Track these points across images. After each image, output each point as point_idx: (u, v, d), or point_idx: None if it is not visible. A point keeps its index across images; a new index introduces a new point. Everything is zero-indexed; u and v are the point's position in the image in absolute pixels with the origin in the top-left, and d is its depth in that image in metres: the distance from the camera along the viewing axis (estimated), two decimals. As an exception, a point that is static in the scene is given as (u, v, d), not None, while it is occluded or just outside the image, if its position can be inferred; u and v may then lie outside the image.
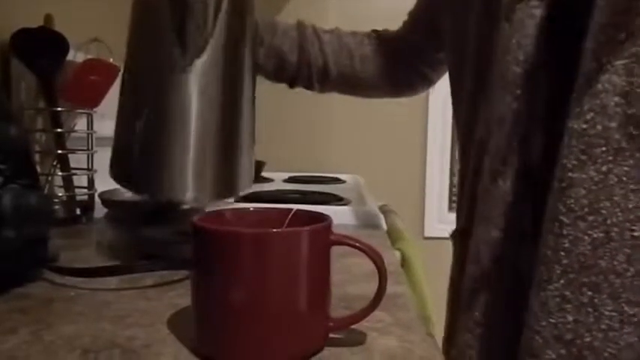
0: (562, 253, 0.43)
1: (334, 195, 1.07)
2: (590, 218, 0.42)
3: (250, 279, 0.32)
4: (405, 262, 1.05)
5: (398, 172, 1.93)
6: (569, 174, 0.42)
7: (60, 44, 0.75)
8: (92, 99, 0.82)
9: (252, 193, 1.06)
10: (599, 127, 0.41)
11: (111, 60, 0.83)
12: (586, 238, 0.42)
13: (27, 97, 0.77)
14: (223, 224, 0.38)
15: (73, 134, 0.81)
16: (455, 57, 0.69)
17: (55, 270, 0.50)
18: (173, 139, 0.52)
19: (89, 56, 0.81)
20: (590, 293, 0.42)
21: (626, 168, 0.41)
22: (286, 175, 1.55)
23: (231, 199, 0.80)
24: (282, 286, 0.33)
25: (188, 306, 0.36)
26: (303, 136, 1.92)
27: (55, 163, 0.77)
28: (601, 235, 0.41)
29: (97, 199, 0.82)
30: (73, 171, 0.79)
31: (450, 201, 1.96)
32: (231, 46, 0.55)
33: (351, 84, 0.83)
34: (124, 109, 0.57)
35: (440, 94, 1.77)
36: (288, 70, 0.80)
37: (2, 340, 0.36)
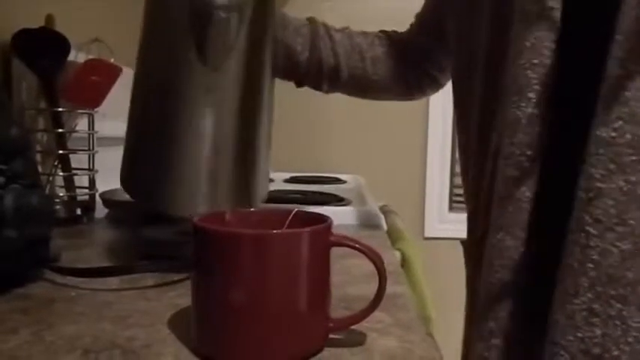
0: (590, 265, 0.42)
1: (335, 195, 1.07)
2: (619, 229, 0.41)
3: (250, 279, 0.32)
4: (405, 262, 1.05)
5: (398, 172, 1.93)
6: (597, 184, 0.41)
7: (61, 44, 0.75)
8: (93, 99, 0.82)
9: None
10: (628, 135, 0.40)
11: (112, 60, 0.83)
12: (614, 250, 0.41)
13: (28, 97, 0.78)
14: (224, 225, 0.38)
15: (74, 134, 0.81)
16: (460, 60, 0.68)
17: (57, 270, 0.50)
18: (188, 155, 0.50)
19: (90, 56, 0.82)
20: (618, 306, 0.41)
21: None
22: (287, 175, 1.55)
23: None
24: (282, 286, 0.33)
25: (188, 306, 0.36)
26: (303, 136, 1.92)
27: (56, 163, 0.77)
28: (629, 246, 0.40)
29: (98, 199, 0.82)
30: (74, 171, 0.79)
31: (451, 201, 1.96)
32: (253, 56, 0.53)
33: (362, 86, 0.81)
34: (137, 122, 0.55)
35: (440, 95, 1.77)
36: (298, 68, 0.76)
37: (3, 340, 0.36)
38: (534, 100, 0.47)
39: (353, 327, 0.37)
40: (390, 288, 0.38)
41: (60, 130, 0.76)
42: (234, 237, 0.33)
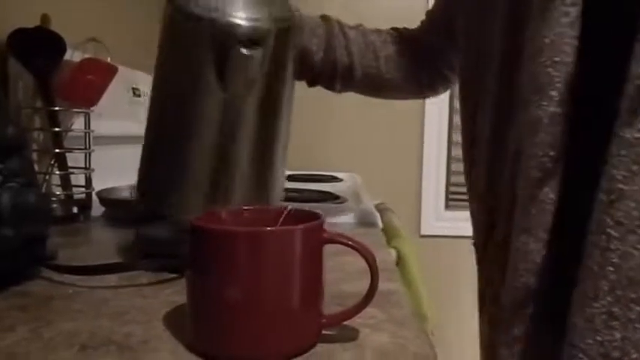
0: (610, 269, 0.41)
1: (331, 193, 1.08)
2: None
3: (245, 277, 0.33)
4: (400, 260, 1.06)
5: (395, 170, 1.94)
6: (619, 185, 0.40)
7: (57, 44, 0.75)
8: (89, 98, 0.83)
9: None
10: None
11: (108, 59, 0.84)
12: (635, 252, 0.40)
13: (24, 96, 0.78)
14: (219, 223, 0.39)
15: (70, 133, 0.81)
16: (469, 59, 0.67)
17: (54, 268, 0.50)
18: (205, 166, 0.51)
19: (86, 56, 0.82)
20: (638, 309, 0.40)
21: None
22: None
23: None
24: (276, 283, 0.33)
25: (184, 303, 0.36)
26: (300, 134, 1.92)
27: (52, 162, 0.78)
28: None
29: (94, 197, 0.82)
30: (71, 170, 0.79)
31: (447, 199, 1.97)
32: (274, 82, 0.53)
33: (375, 85, 0.79)
34: (154, 125, 0.55)
35: (436, 92, 1.78)
36: (312, 69, 0.75)
37: (1, 337, 0.37)
38: (557, 99, 0.45)
39: (346, 323, 0.38)
40: (383, 285, 0.39)
41: (56, 129, 0.77)
42: (228, 235, 0.33)
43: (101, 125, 0.89)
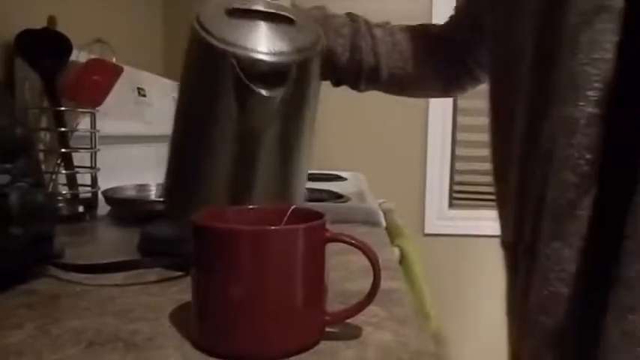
0: None
1: (334, 192, 1.08)
2: None
3: (249, 275, 0.33)
4: (404, 259, 1.06)
5: (399, 169, 1.94)
6: None
7: (63, 45, 0.76)
8: (95, 98, 0.83)
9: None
10: None
11: (114, 60, 0.84)
12: None
13: (31, 96, 0.79)
14: (223, 222, 0.39)
15: (76, 133, 0.82)
16: (497, 57, 0.64)
17: (61, 267, 0.51)
18: (226, 179, 0.52)
19: (92, 56, 0.83)
20: None
21: None
22: (288, 173, 1.55)
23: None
24: (280, 281, 0.34)
25: (190, 301, 0.37)
26: (304, 133, 1.93)
27: (59, 162, 0.79)
28: None
29: (100, 196, 0.83)
30: (77, 169, 0.80)
31: (451, 198, 1.97)
32: (295, 113, 0.54)
33: (400, 85, 0.78)
34: (177, 142, 0.56)
35: (440, 91, 1.77)
36: (337, 70, 0.74)
37: (10, 334, 0.37)
38: (594, 99, 0.43)
39: (349, 321, 0.38)
40: (386, 283, 0.39)
41: (62, 129, 0.78)
42: (233, 233, 0.34)
43: (107, 125, 0.90)
